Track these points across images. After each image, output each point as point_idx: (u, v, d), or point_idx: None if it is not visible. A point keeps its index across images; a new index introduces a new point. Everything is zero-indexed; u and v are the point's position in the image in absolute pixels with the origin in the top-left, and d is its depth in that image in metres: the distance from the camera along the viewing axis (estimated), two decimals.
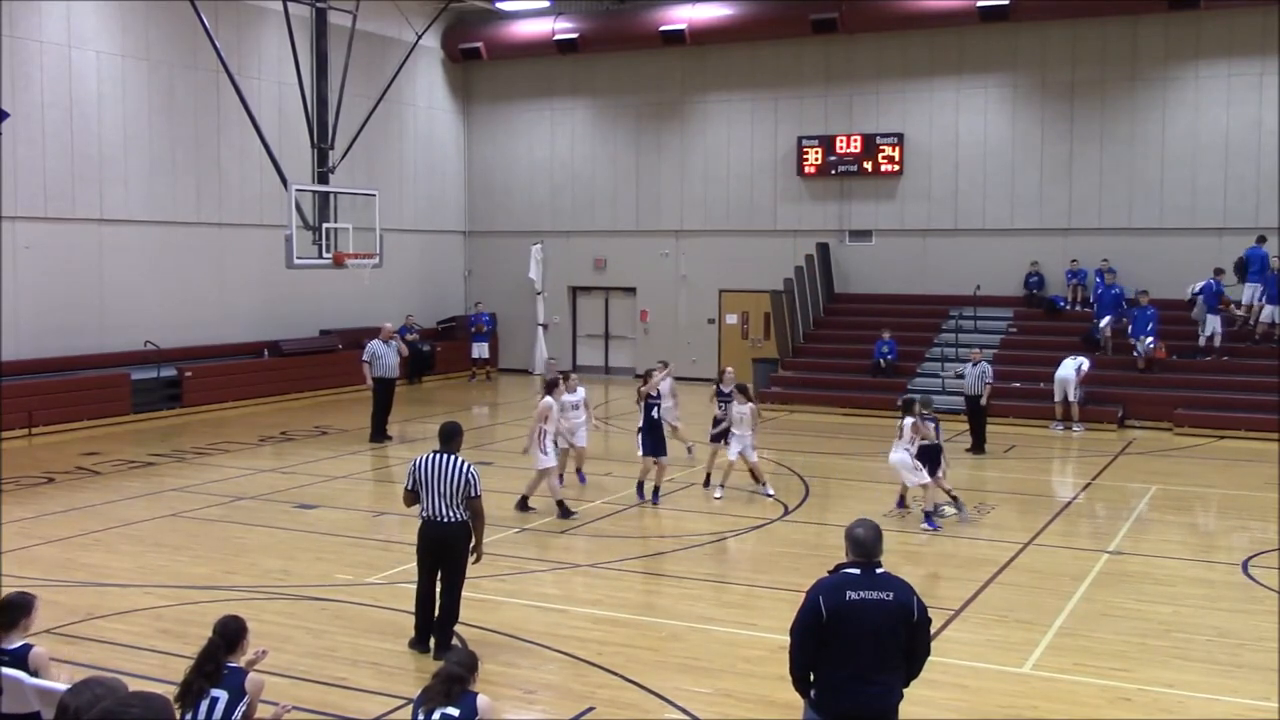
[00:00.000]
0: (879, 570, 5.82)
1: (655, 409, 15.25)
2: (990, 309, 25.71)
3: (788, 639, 5.86)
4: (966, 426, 19.68)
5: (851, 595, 5.70)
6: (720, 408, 15.91)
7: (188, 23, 20.96)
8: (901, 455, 14.01)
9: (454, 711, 5.81)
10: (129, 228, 23.03)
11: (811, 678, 5.85)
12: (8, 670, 6.31)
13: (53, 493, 15.83)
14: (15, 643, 6.40)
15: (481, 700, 5.93)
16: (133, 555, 12.61)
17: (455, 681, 5.90)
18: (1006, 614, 10.54)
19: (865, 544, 5.84)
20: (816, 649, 5.74)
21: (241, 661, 6.34)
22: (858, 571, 5.79)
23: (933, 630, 9.63)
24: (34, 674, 6.24)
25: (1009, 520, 14.46)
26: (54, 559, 12.26)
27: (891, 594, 5.76)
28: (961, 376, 19.87)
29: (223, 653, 6.21)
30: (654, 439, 15.07)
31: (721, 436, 15.69)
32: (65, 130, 21.80)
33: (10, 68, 20.73)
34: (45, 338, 21.43)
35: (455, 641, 9.37)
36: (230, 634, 6.31)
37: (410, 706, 6.09)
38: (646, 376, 15.76)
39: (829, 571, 5.91)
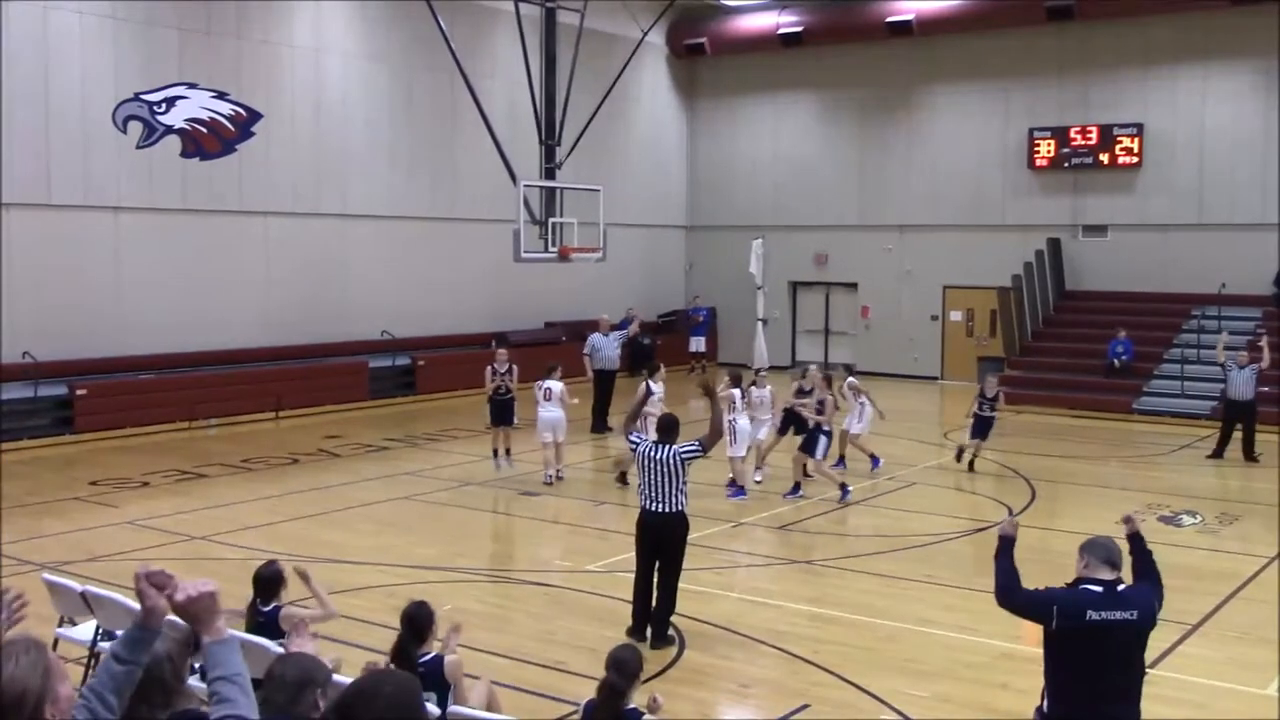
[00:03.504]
0: (1121, 587, 5.48)
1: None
2: (1236, 308, 24.21)
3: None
4: (1216, 433, 18.46)
5: (1093, 616, 5.36)
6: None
7: (425, 26, 21.81)
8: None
9: None
10: (369, 222, 24.20)
11: (1042, 691, 5.65)
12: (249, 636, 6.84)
13: (297, 473, 16.80)
14: (269, 607, 7.11)
15: None
16: (368, 534, 13.25)
17: (617, 697, 5.55)
18: (1249, 631, 9.96)
19: (1107, 558, 5.50)
20: (1054, 663, 5.52)
21: (435, 647, 6.29)
22: (1099, 590, 5.44)
23: (1169, 645, 9.22)
24: (284, 632, 6.87)
25: (1254, 533, 13.64)
26: (298, 535, 12.99)
27: (1136, 612, 5.43)
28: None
29: (412, 647, 6.13)
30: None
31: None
32: (313, 130, 23.07)
33: (266, 72, 22.09)
34: (292, 326, 22.74)
35: (671, 632, 9.49)
36: (418, 624, 6.18)
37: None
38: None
39: (1065, 585, 5.63)
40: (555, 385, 16.03)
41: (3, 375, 18.17)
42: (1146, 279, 25.78)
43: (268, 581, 7.18)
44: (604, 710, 5.56)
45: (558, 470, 16.08)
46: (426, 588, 10.66)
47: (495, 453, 16.54)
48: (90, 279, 19.73)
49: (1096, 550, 5.58)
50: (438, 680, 6.06)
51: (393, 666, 5.73)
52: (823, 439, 14.97)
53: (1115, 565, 5.53)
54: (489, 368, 16.61)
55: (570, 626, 10.00)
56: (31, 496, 14.77)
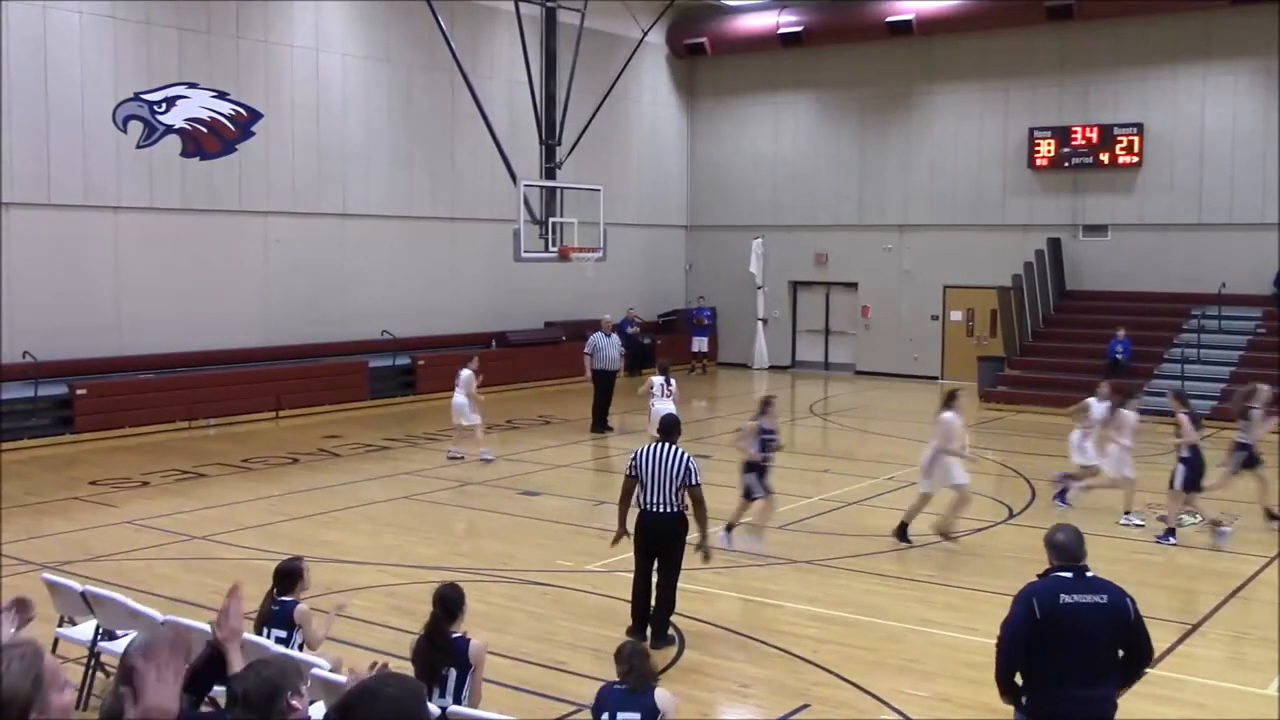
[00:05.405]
0: (1089, 574, 5.71)
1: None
2: (1236, 308, 24.25)
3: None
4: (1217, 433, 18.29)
5: (1065, 599, 5.60)
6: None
7: (425, 25, 21.83)
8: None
9: (634, 716, 5.73)
10: (369, 222, 24.19)
11: (1020, 682, 5.75)
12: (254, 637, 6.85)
13: (297, 472, 16.79)
14: (286, 598, 7.24)
15: (661, 696, 5.82)
16: (369, 534, 13.25)
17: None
18: (1250, 631, 9.96)
19: (1069, 548, 5.74)
20: (1028, 653, 5.66)
21: (461, 630, 6.55)
22: (1069, 575, 5.69)
23: (1169, 645, 9.22)
24: (296, 627, 7.08)
25: (1254, 533, 13.63)
26: (298, 535, 12.99)
27: (1105, 597, 5.65)
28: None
29: (445, 625, 6.47)
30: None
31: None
32: (313, 130, 23.06)
33: (266, 71, 22.09)
34: (293, 326, 22.75)
35: (671, 631, 9.49)
36: (450, 604, 6.55)
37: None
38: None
39: (1038, 576, 5.84)
40: (464, 373, 17.49)
41: (3, 375, 18.18)
42: (1146, 279, 25.79)
43: (287, 575, 7.36)
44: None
45: (462, 453, 17.31)
46: (426, 588, 10.63)
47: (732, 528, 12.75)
48: (90, 279, 19.73)
49: (1051, 551, 5.82)
50: (462, 659, 6.34)
51: (404, 659, 5.81)
52: (1180, 467, 13.17)
53: (1077, 557, 5.74)
54: (751, 424, 12.59)
55: (570, 626, 10.00)
56: (31, 496, 14.78)
